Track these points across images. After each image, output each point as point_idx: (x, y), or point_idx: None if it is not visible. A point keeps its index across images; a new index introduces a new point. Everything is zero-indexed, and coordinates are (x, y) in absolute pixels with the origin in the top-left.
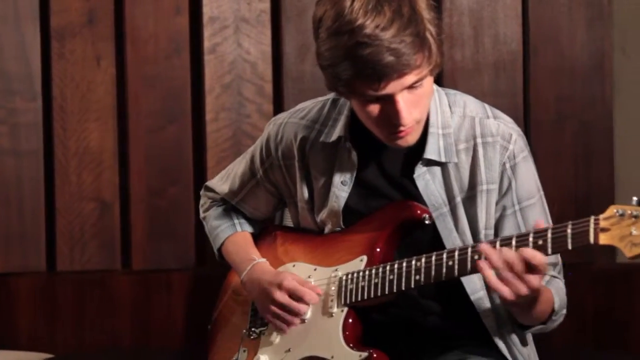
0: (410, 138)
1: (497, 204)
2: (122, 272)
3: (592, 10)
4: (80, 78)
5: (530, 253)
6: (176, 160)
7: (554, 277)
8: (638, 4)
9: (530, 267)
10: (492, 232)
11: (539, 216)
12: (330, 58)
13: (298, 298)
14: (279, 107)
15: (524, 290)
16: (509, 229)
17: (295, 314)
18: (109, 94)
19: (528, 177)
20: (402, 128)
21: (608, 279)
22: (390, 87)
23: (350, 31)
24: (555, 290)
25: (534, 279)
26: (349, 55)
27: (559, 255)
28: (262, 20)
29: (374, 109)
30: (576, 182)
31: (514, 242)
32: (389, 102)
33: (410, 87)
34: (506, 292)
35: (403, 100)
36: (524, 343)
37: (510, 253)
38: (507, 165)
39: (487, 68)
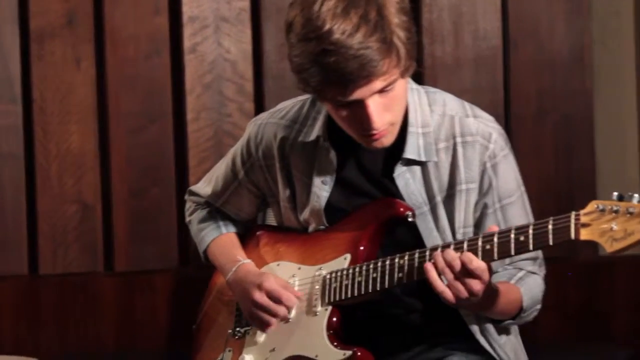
0: (385, 140)
1: (477, 202)
2: (105, 274)
3: (571, 3)
4: (60, 80)
5: (468, 257)
6: (157, 160)
7: (532, 272)
8: None
9: (469, 271)
10: (470, 230)
11: (519, 213)
12: (299, 64)
13: (276, 300)
14: (260, 105)
15: (463, 293)
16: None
17: (273, 314)
18: (89, 95)
19: (509, 175)
20: (374, 131)
21: (591, 272)
22: (359, 93)
23: (317, 38)
24: (526, 289)
25: (474, 284)
26: (316, 62)
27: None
28: (242, 19)
29: (346, 112)
30: (557, 176)
31: (495, 239)
32: (359, 106)
33: (381, 91)
34: (447, 294)
35: (373, 105)
36: (505, 338)
37: (451, 254)
38: (488, 165)
39: (467, 63)
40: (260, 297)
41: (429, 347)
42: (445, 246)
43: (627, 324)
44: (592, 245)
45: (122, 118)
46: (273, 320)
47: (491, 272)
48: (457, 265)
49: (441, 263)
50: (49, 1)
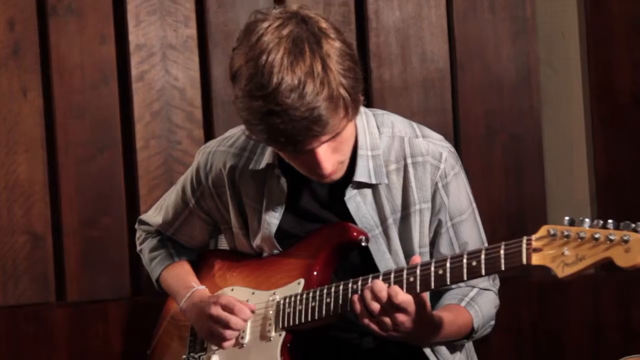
0: (335, 176)
1: (431, 222)
2: (57, 304)
3: (516, 24)
4: (7, 111)
5: (394, 290)
6: (108, 189)
7: (485, 289)
8: (561, 16)
9: (394, 305)
10: (426, 249)
11: (470, 230)
12: (247, 118)
13: (230, 311)
14: (209, 132)
15: (389, 325)
16: (443, 246)
17: (226, 324)
18: (37, 125)
19: (460, 194)
20: (324, 175)
21: (543, 291)
22: (307, 147)
23: (262, 97)
24: (476, 311)
25: (399, 316)
26: (262, 121)
27: None
28: (189, 46)
29: (294, 160)
30: (508, 196)
31: (448, 264)
32: (309, 154)
33: (330, 138)
34: (373, 327)
35: (322, 152)
36: (459, 356)
37: (379, 286)
38: (440, 185)
39: (415, 86)
40: (215, 309)
41: None
42: (387, 274)
43: (579, 343)
44: (548, 270)
45: (71, 147)
46: (228, 332)
47: (426, 305)
48: (384, 298)
49: (368, 296)
50: None
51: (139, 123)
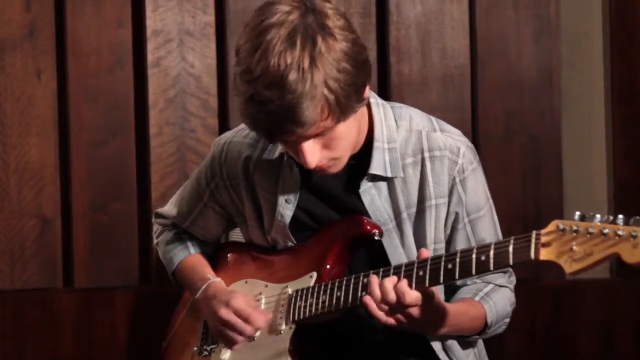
0: (330, 170)
1: (447, 218)
2: (64, 290)
3: (539, 23)
4: (21, 92)
5: (401, 291)
6: (119, 175)
7: (501, 286)
8: (586, 16)
9: (405, 305)
10: (441, 246)
11: (488, 227)
12: (239, 100)
13: (245, 319)
14: (223, 121)
15: (403, 319)
16: (460, 242)
17: (239, 332)
18: (50, 108)
19: (477, 189)
20: (313, 169)
21: (557, 294)
22: (287, 139)
23: (247, 81)
24: (490, 306)
25: (412, 310)
26: (246, 105)
27: None
28: (207, 34)
29: (284, 147)
30: (525, 196)
31: (458, 259)
32: (294, 144)
33: (315, 135)
34: (383, 319)
35: (308, 147)
36: (473, 356)
37: (388, 284)
38: (457, 180)
39: (434, 82)
40: (226, 314)
41: None
42: (397, 267)
43: (592, 346)
44: (558, 266)
45: (84, 131)
46: (239, 338)
47: (434, 295)
48: (393, 300)
49: (375, 292)
50: (9, 12)
51: (153, 109)
